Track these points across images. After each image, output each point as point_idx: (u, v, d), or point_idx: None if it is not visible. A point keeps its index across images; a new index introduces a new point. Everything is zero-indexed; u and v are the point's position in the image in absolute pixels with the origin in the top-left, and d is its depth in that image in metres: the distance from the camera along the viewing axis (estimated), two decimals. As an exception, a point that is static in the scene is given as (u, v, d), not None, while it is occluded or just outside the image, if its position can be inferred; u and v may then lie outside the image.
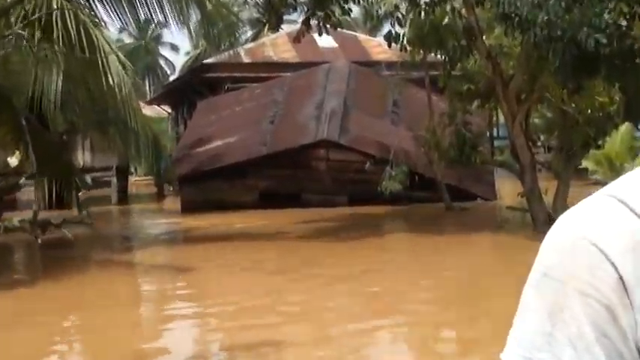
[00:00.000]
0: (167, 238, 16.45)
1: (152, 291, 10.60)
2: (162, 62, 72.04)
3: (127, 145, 16.76)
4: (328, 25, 14.22)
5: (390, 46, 13.42)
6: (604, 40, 10.64)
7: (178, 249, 14.60)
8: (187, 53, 61.38)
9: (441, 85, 14.11)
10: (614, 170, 22.54)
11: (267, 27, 40.67)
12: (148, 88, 69.79)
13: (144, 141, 15.65)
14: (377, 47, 27.23)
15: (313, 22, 14.07)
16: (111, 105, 12.26)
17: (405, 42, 13.01)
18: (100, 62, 10.85)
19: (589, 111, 13.68)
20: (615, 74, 10.92)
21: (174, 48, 70.62)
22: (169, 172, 16.43)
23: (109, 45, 13.85)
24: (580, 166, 23.75)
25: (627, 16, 10.69)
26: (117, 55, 14.45)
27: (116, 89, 11.21)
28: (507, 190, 18.52)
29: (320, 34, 14.10)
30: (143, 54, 69.72)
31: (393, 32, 12.79)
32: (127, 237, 16.94)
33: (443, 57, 13.49)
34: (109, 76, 10.96)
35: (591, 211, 0.93)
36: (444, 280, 9.57)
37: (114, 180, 24.61)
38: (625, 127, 21.83)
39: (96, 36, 11.06)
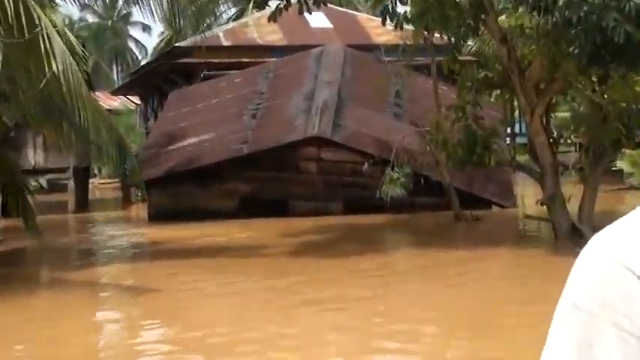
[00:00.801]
0: (129, 253, 16.34)
1: (109, 319, 10.45)
2: (132, 45, 72.07)
3: (84, 143, 16.66)
4: (311, 2, 14.14)
5: (384, 23, 13.33)
6: (637, 35, 10.54)
7: (141, 267, 14.49)
8: (162, 34, 61.29)
9: (445, 72, 14.01)
10: (653, 172, 22.54)
11: (251, 4, 40.77)
12: (116, 75, 69.83)
13: (106, 138, 15.56)
14: (378, 28, 27.05)
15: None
16: (57, 96, 12.09)
17: (402, 19, 12.86)
18: (42, 46, 10.71)
19: (623, 104, 13.59)
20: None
21: (146, 28, 70.54)
22: (135, 175, 16.29)
23: (61, 26, 13.74)
24: (614, 168, 23.88)
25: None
26: (67, 38, 14.32)
27: (61, 77, 11.05)
28: (530, 195, 18.47)
29: (300, 13, 13.98)
30: (110, 36, 69.80)
31: (390, 7, 12.68)
32: (81, 251, 16.84)
33: (448, 38, 13.38)
34: (52, 62, 10.81)
35: (626, 232, 0.93)
36: (455, 309, 9.43)
37: (71, 183, 24.53)
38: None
39: (38, 15, 10.91)
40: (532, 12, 11.16)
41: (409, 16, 12.90)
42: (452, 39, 13.11)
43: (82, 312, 10.33)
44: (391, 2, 12.78)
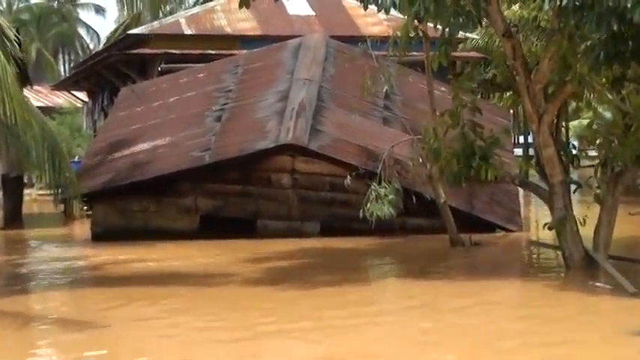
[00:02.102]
0: (62, 280, 16.29)
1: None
2: (82, 31, 71.98)
3: (12, 147, 16.71)
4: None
5: (365, 8, 13.40)
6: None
7: (76, 296, 14.45)
8: (118, 19, 61.33)
9: (435, 69, 14.10)
10: (691, 193, 22.60)
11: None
12: (62, 66, 69.78)
13: (36, 141, 15.59)
14: (369, 17, 27.30)
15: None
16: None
17: (389, 4, 12.91)
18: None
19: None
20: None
21: (100, 11, 70.56)
22: (72, 186, 16.28)
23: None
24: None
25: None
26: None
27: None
28: (543, 217, 18.53)
29: (275, -2, 14.03)
30: (56, 20, 69.79)
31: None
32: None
33: (442, 29, 13.44)
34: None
35: None
36: (445, 353, 9.51)
37: (-1, 194, 24.54)
38: None
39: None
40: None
41: (396, 2, 12.94)
42: (446, 30, 13.16)
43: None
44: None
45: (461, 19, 12.35)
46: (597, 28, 10.92)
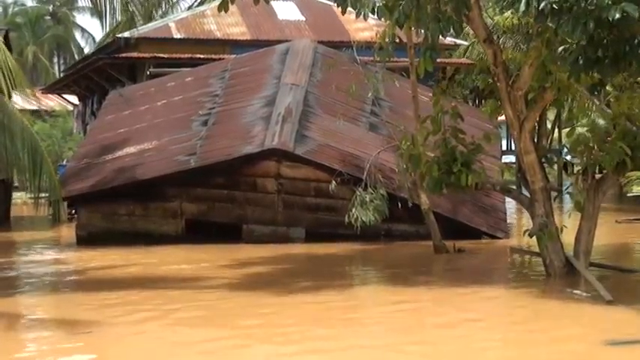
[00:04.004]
0: (42, 283, 16.25)
1: None
2: (77, 35, 72.01)
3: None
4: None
5: (344, 12, 13.37)
6: (636, 14, 10.64)
7: (57, 299, 14.41)
8: (113, 23, 61.27)
9: (420, 74, 14.05)
10: (677, 200, 22.64)
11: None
12: (57, 70, 69.75)
13: (18, 147, 15.60)
14: (359, 23, 27.23)
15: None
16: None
17: (368, 9, 12.88)
18: None
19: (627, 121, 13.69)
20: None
21: (96, 14, 70.44)
22: (54, 189, 16.29)
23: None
24: (631, 194, 24.01)
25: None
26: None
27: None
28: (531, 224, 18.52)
29: (256, 2, 13.97)
30: (51, 23, 69.84)
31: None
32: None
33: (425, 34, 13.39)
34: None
35: None
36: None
37: (-17, 197, 24.52)
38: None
39: None
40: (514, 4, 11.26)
41: (376, 8, 12.91)
42: (428, 35, 13.12)
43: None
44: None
45: (441, 25, 12.29)
46: (573, 30, 10.86)
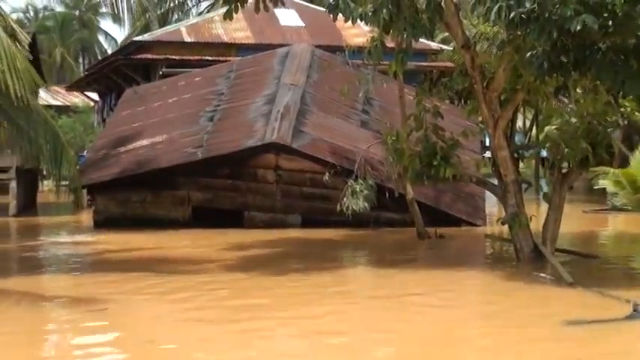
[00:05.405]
0: (61, 263, 16.26)
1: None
2: (101, 38, 71.90)
3: (21, 141, 16.66)
4: (268, 0, 14.20)
5: (335, 19, 13.35)
6: (595, 26, 10.67)
7: (75, 279, 14.40)
8: (133, 27, 61.15)
9: (391, 75, 14.04)
10: (639, 193, 22.58)
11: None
12: (82, 70, 69.64)
13: (43, 136, 15.57)
14: (353, 29, 27.19)
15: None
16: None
17: (356, 16, 12.87)
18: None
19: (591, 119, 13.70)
20: (606, 73, 10.94)
21: (117, 20, 70.37)
22: (74, 178, 16.27)
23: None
24: (597, 187, 24.00)
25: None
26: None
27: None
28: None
29: (256, 11, 14.01)
30: (77, 27, 69.72)
31: (340, 2, 12.67)
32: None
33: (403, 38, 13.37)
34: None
35: None
36: (403, 333, 9.51)
37: (12, 184, 24.50)
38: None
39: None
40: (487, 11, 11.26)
41: (362, 14, 12.89)
42: (404, 39, 13.11)
43: None
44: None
45: (415, 31, 12.33)
46: (539, 38, 10.89)
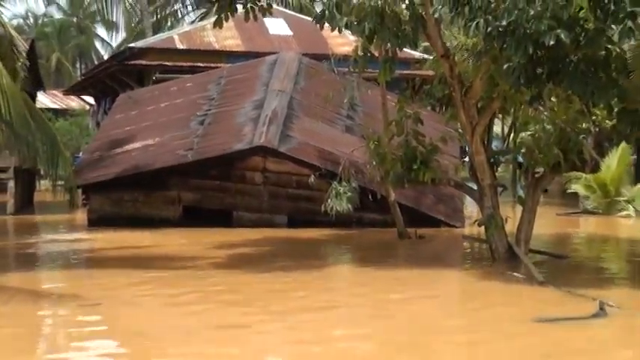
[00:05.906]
0: (56, 260, 16.29)
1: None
2: (98, 44, 71.69)
3: (18, 142, 16.71)
4: (257, 10, 14.30)
5: (321, 27, 13.45)
6: (568, 40, 10.82)
7: (70, 275, 14.44)
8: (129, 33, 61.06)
9: (379, 83, 14.15)
10: (608, 197, 22.83)
11: (215, 7, 40.89)
12: (79, 74, 69.50)
13: (40, 139, 15.60)
14: (339, 38, 27.32)
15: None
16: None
17: (341, 25, 12.97)
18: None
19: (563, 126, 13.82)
20: (578, 84, 11.08)
21: (113, 27, 70.26)
22: (69, 178, 16.33)
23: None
24: (570, 191, 24.20)
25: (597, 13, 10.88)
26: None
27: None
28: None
29: (246, 20, 14.11)
30: (75, 33, 69.56)
31: (327, 12, 12.77)
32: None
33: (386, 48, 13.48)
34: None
35: None
36: (380, 329, 9.62)
37: (11, 184, 24.52)
38: (621, 148, 22.11)
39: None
40: (464, 21, 11.41)
41: (347, 24, 13.01)
42: (389, 49, 13.23)
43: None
44: (328, 8, 12.86)
45: (399, 41, 12.47)
46: (516, 52, 11.04)
